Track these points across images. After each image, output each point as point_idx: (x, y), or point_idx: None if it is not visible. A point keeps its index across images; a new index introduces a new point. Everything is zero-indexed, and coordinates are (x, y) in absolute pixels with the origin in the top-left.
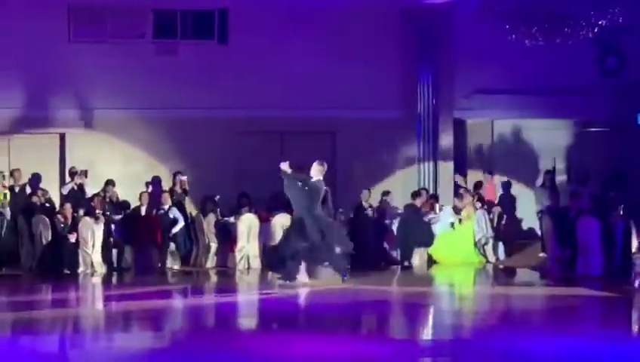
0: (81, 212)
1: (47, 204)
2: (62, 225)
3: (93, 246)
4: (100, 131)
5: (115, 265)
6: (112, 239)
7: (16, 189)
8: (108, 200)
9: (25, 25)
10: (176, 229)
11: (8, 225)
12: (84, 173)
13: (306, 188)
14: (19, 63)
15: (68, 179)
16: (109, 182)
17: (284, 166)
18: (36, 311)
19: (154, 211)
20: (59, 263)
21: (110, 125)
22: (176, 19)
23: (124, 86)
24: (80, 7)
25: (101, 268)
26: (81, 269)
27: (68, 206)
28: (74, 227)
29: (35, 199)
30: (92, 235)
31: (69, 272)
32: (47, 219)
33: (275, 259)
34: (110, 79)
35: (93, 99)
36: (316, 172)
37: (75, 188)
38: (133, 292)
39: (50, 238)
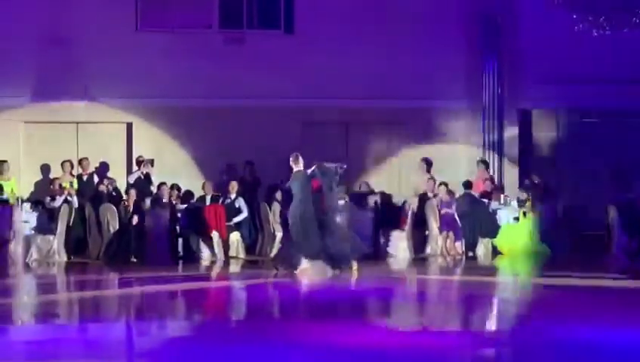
0: (148, 201)
1: (114, 193)
2: (125, 213)
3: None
4: (167, 120)
5: (181, 253)
6: (177, 228)
7: (84, 178)
8: (174, 203)
9: (93, 14)
10: (237, 219)
11: (76, 214)
12: (151, 162)
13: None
14: (87, 52)
15: (135, 168)
16: (174, 187)
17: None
18: (103, 295)
19: (220, 200)
20: (126, 251)
21: (177, 114)
22: (243, 9)
23: (192, 75)
24: None
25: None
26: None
27: (132, 192)
28: (137, 213)
29: (102, 188)
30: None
31: (135, 260)
32: (114, 208)
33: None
34: (177, 68)
35: (160, 88)
36: (294, 165)
37: (142, 177)
38: (195, 280)
39: (117, 227)
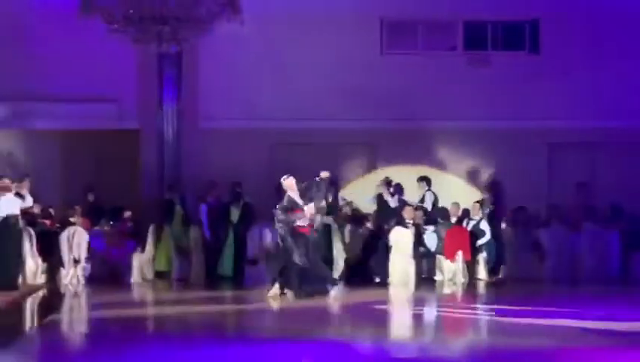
0: (392, 222)
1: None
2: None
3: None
4: (413, 142)
5: (425, 274)
6: (421, 249)
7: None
8: (418, 223)
9: (338, 38)
10: (480, 242)
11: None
12: (388, 182)
13: None
14: (332, 76)
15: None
16: (418, 208)
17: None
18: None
19: (465, 222)
20: (369, 271)
21: (423, 136)
22: (487, 31)
23: (437, 97)
24: (393, 20)
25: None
26: (390, 278)
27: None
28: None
29: (344, 209)
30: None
31: (378, 280)
32: (356, 228)
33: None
34: (423, 91)
35: (405, 110)
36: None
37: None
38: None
39: (360, 246)
